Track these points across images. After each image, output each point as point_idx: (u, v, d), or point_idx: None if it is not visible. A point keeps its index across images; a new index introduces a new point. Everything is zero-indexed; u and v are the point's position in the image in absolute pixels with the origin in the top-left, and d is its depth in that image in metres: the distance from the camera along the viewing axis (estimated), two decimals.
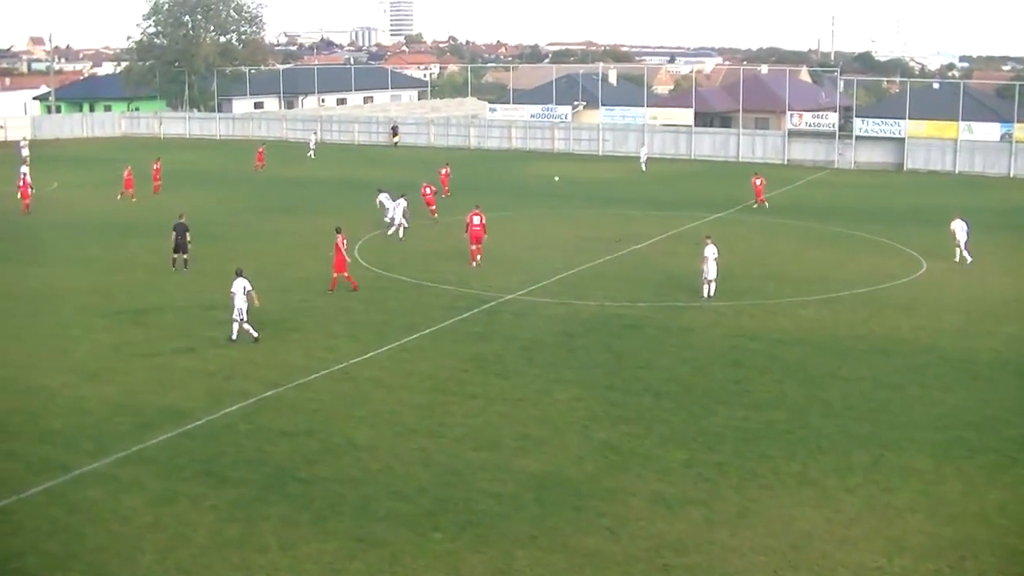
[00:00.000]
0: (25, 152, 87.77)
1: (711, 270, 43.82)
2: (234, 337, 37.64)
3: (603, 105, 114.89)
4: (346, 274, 44.91)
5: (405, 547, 22.18)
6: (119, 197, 72.87)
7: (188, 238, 49.35)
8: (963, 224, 52.66)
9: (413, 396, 31.91)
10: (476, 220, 50.84)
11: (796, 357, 35.99)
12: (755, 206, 71.52)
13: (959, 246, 52.21)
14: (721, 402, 31.34)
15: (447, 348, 36.95)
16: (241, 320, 37.64)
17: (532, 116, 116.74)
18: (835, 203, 73.11)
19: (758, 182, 72.90)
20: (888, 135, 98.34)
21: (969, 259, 51.63)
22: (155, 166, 78.66)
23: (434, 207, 64.33)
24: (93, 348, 37.36)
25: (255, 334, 37.57)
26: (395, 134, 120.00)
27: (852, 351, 36.75)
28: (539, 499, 24.56)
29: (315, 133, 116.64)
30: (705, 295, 43.91)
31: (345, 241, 44.95)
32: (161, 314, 42.04)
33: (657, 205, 71.54)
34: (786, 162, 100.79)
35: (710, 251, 43.79)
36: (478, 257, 50.54)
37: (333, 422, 29.69)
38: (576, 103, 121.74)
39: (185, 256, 49.42)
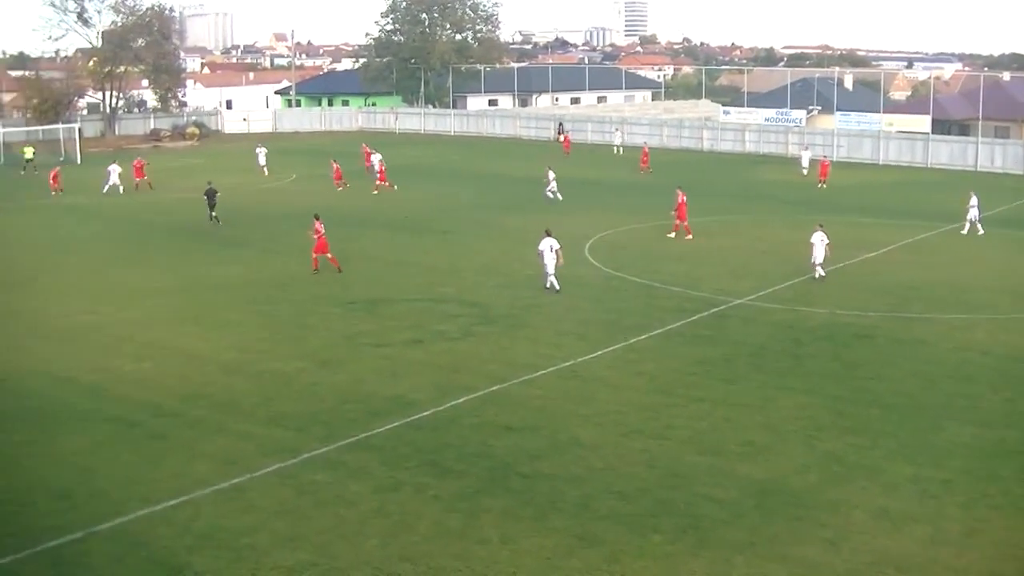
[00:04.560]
0: (262, 161, 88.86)
1: (818, 255, 47.30)
2: (547, 286, 44.47)
3: (838, 110, 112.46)
4: (329, 255, 48.45)
5: (624, 547, 22.27)
6: (374, 191, 76.22)
7: (216, 200, 62.09)
8: (975, 198, 60.71)
9: (639, 396, 31.98)
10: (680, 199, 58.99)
11: None
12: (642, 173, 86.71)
13: (970, 219, 60.35)
14: (950, 417, 30.51)
15: (674, 350, 36.91)
16: (548, 274, 44.18)
17: (766, 120, 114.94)
18: None
19: (647, 149, 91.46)
20: None
21: (970, 231, 60.02)
22: (365, 150, 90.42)
23: (339, 181, 77.70)
24: (327, 336, 38.54)
25: (557, 287, 44.15)
26: (560, 132, 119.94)
27: None
28: (760, 506, 24.37)
29: (619, 130, 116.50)
30: (816, 276, 47.47)
31: (322, 226, 48.94)
32: (392, 306, 43.06)
33: (890, 214, 69.86)
34: None
35: (816, 237, 47.46)
36: (680, 231, 58.36)
37: (558, 419, 29.96)
38: (811, 108, 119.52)
39: (215, 214, 62.12)
